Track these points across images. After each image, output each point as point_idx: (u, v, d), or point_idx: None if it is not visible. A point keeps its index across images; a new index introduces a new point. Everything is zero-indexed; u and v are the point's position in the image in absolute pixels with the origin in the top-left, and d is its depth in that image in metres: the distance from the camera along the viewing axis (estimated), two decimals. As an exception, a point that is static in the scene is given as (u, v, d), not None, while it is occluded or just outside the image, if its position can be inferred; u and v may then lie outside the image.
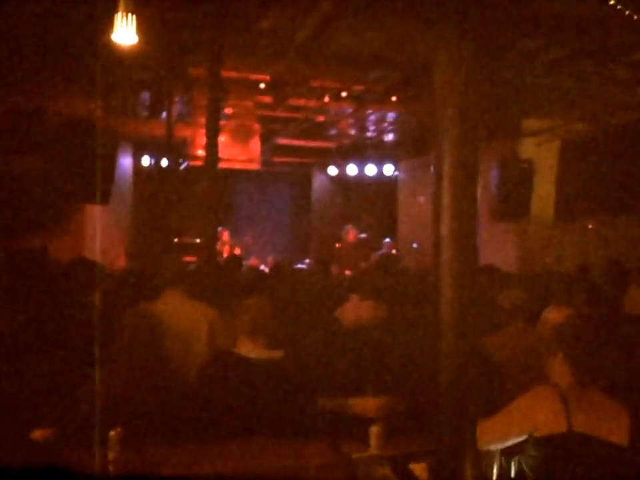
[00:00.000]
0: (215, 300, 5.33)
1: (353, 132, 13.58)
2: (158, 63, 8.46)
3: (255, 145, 12.22)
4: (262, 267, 12.09)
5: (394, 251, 14.42)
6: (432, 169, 2.91)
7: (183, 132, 11.14)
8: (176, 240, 11.56)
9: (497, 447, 3.34)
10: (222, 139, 9.64)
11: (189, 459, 3.40)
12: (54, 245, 7.47)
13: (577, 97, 9.02)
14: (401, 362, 4.15)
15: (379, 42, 7.14)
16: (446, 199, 2.92)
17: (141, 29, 5.56)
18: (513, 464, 3.50)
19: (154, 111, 11.07)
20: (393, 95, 10.06)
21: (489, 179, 10.09)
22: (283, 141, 13.72)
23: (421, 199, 14.15)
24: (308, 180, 17.16)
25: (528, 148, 10.88)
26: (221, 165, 8.03)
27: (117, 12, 5.45)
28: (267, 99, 10.43)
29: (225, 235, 13.40)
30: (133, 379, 3.74)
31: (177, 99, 10.22)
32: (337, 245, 13.97)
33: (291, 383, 3.79)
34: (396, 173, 16.15)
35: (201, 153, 10.40)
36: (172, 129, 9.60)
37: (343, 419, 3.78)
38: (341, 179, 16.42)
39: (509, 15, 5.95)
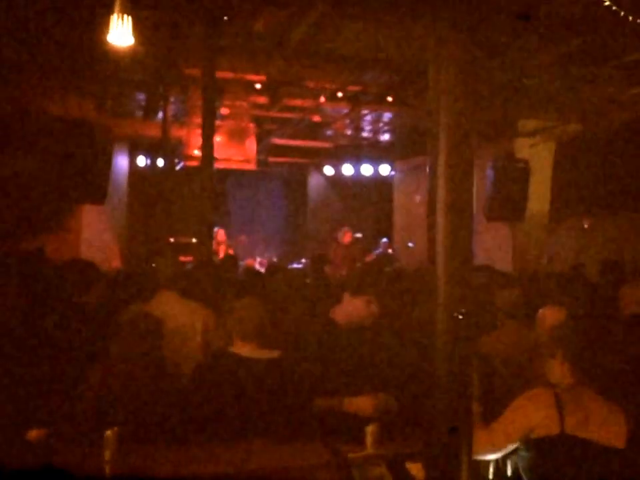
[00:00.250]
0: (210, 300, 5.34)
1: (348, 132, 13.59)
2: (154, 63, 8.45)
3: (251, 145, 12.21)
4: (257, 267, 12.10)
5: (390, 251, 14.44)
6: (427, 168, 2.92)
7: (178, 132, 11.13)
8: (172, 240, 11.55)
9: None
10: (218, 139, 9.64)
11: (185, 459, 3.40)
12: (50, 245, 7.47)
13: (571, 97, 9.04)
14: (397, 361, 4.16)
15: (374, 43, 7.15)
16: (441, 199, 2.92)
17: (137, 29, 5.56)
18: (509, 464, 3.51)
19: (150, 111, 11.07)
20: (388, 96, 10.07)
21: (484, 178, 10.11)
22: (278, 141, 13.73)
23: (417, 199, 14.18)
24: (304, 180, 17.18)
25: (523, 148, 10.91)
26: (217, 165, 8.05)
27: (113, 13, 5.45)
28: (263, 99, 10.44)
29: (221, 235, 13.39)
30: (128, 379, 3.74)
31: (172, 99, 10.22)
32: (333, 245, 13.98)
33: (287, 383, 3.80)
34: (392, 172, 16.17)
35: (196, 153, 10.39)
36: (168, 129, 9.61)
37: (338, 419, 3.79)
38: (337, 178, 16.44)
39: (504, 17, 5.96)
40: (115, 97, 10.15)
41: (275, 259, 14.60)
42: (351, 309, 4.29)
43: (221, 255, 12.53)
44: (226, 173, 13.25)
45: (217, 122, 9.33)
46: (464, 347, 2.92)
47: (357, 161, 15.87)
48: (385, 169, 16.08)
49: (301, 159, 15.79)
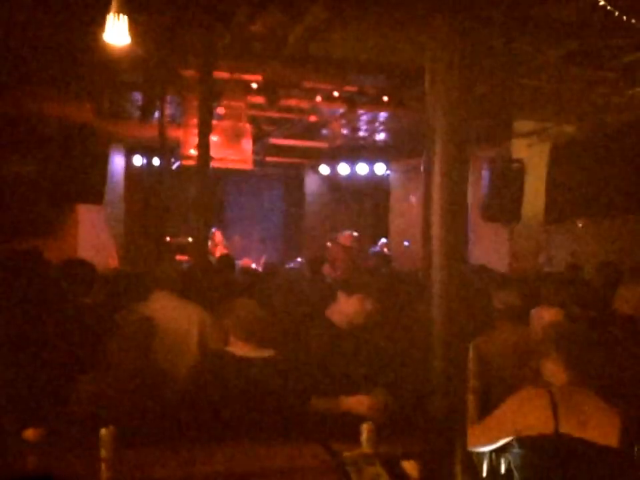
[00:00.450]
0: (206, 300, 5.35)
1: (345, 132, 13.60)
2: (150, 63, 8.45)
3: (247, 145, 12.19)
4: (254, 267, 12.09)
5: (386, 250, 14.45)
6: (422, 168, 2.94)
7: (175, 132, 11.12)
8: (168, 239, 11.55)
9: (486, 448, 3.36)
10: (214, 138, 9.64)
11: (181, 458, 3.41)
12: (47, 246, 7.47)
13: (567, 98, 9.06)
14: (393, 361, 4.18)
15: (370, 45, 7.16)
16: (436, 199, 2.94)
17: (133, 29, 5.56)
18: (502, 462, 3.53)
19: (146, 111, 11.05)
20: (384, 96, 10.09)
21: (480, 179, 10.13)
22: (275, 140, 13.73)
23: (413, 199, 14.21)
24: (300, 179, 17.18)
25: (519, 149, 10.93)
26: (213, 165, 8.04)
27: (109, 13, 5.45)
28: (259, 100, 10.44)
29: (218, 236, 13.40)
30: (125, 379, 3.75)
31: (169, 100, 10.22)
32: (329, 245, 13.96)
33: (283, 383, 3.81)
34: (388, 172, 16.18)
35: (193, 152, 10.39)
36: (164, 129, 9.60)
37: (334, 418, 3.80)
38: (333, 178, 16.45)
39: (500, 19, 5.98)
40: (112, 97, 10.14)
41: (271, 259, 14.60)
42: (346, 307, 4.31)
43: (218, 253, 12.53)
44: (222, 173, 13.25)
45: (214, 122, 9.32)
46: (459, 347, 2.94)
47: (353, 161, 15.89)
48: (380, 169, 16.09)
49: (297, 159, 15.79)
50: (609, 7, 5.61)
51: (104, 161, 7.95)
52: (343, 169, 15.96)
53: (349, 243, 13.24)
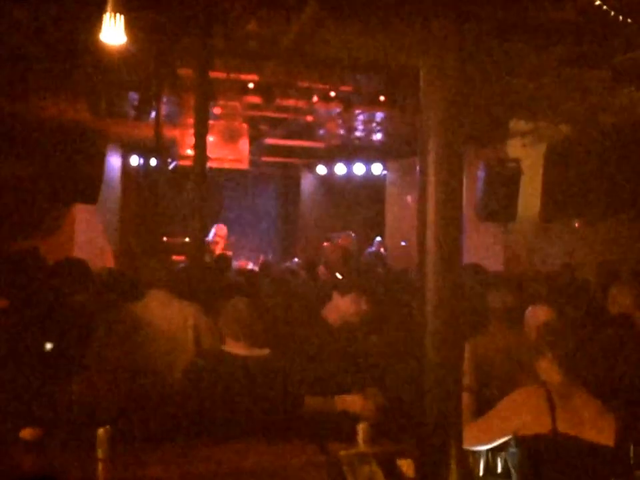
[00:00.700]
0: (202, 299, 5.36)
1: (341, 132, 13.60)
2: (146, 63, 8.45)
3: (244, 145, 12.21)
4: (250, 267, 12.11)
5: (382, 250, 14.46)
6: (418, 168, 2.95)
7: (171, 132, 11.13)
8: (165, 239, 11.55)
9: (483, 447, 3.38)
10: (210, 139, 9.64)
11: (176, 457, 3.42)
12: (43, 245, 7.47)
13: (562, 99, 9.08)
14: (387, 360, 4.19)
15: (366, 45, 7.16)
16: (431, 199, 2.95)
17: (130, 29, 5.56)
18: (499, 460, 3.54)
19: (142, 111, 11.05)
20: (380, 96, 10.10)
21: (476, 179, 10.14)
22: (271, 140, 13.72)
23: (409, 198, 14.22)
24: (296, 179, 17.18)
25: (514, 149, 10.95)
26: (210, 165, 8.04)
27: (105, 12, 5.45)
28: (256, 100, 10.44)
29: (221, 229, 13.43)
30: (120, 378, 3.76)
31: (165, 99, 10.22)
32: (325, 245, 13.98)
33: (277, 382, 3.82)
34: (384, 172, 16.19)
35: (189, 152, 10.40)
36: (160, 129, 9.60)
37: (329, 417, 3.81)
38: (330, 178, 16.45)
39: (495, 19, 5.99)
40: (108, 97, 10.13)
41: (267, 259, 14.60)
42: (341, 307, 4.32)
43: (218, 251, 12.54)
44: (219, 173, 13.25)
45: (210, 122, 9.32)
46: (454, 346, 2.95)
47: (349, 161, 15.89)
48: (377, 169, 16.10)
49: (293, 159, 15.79)
50: (604, 8, 5.63)
51: (100, 160, 7.94)
52: (340, 169, 15.97)
53: (347, 244, 13.26)
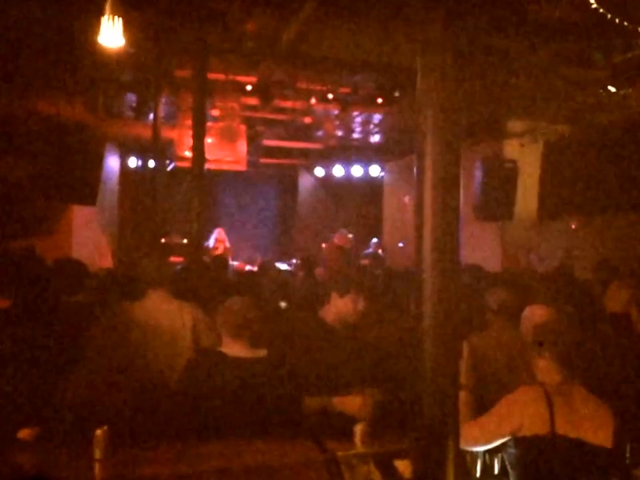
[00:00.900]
0: (200, 299, 5.36)
1: (339, 133, 13.62)
2: (144, 64, 8.46)
3: (242, 146, 12.22)
4: (248, 268, 12.11)
5: (379, 251, 14.47)
6: (415, 169, 2.95)
7: (169, 133, 11.14)
8: (163, 240, 11.55)
9: (481, 448, 3.38)
10: (208, 140, 9.66)
11: (175, 457, 3.42)
12: (41, 245, 7.48)
13: (559, 98, 9.09)
14: (385, 360, 4.19)
15: (363, 45, 7.18)
16: (428, 199, 2.95)
17: (127, 31, 5.57)
18: (496, 461, 3.55)
19: (140, 112, 11.05)
20: (378, 97, 10.12)
21: (473, 179, 10.15)
22: (269, 142, 13.74)
23: (406, 199, 14.23)
24: (294, 181, 17.19)
25: (511, 148, 10.96)
26: (208, 166, 8.05)
27: (103, 14, 5.46)
28: (254, 101, 10.45)
29: (220, 234, 13.47)
30: (117, 378, 3.76)
31: (163, 101, 10.22)
32: (323, 246, 14.00)
33: (276, 382, 3.82)
34: (382, 173, 16.21)
35: (187, 154, 10.41)
36: (159, 130, 9.60)
37: (327, 417, 3.81)
38: (328, 179, 16.46)
39: (493, 19, 6.00)
40: (106, 98, 10.14)
41: (265, 259, 14.61)
42: (339, 307, 4.33)
43: (217, 254, 12.57)
44: (217, 174, 13.26)
45: (208, 123, 9.33)
46: (451, 346, 2.95)
47: (347, 162, 15.90)
48: (375, 170, 16.12)
49: (291, 160, 15.81)
50: (600, 8, 5.64)
51: (98, 161, 7.94)
52: (337, 170, 15.98)
53: (344, 243, 13.28)
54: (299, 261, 11.35)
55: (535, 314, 4.24)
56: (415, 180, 3.03)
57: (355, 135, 13.76)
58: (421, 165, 2.99)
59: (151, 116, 9.81)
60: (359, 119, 12.25)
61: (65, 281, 4.77)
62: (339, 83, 9.52)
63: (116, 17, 5.45)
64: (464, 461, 3.38)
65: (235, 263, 12.82)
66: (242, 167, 12.55)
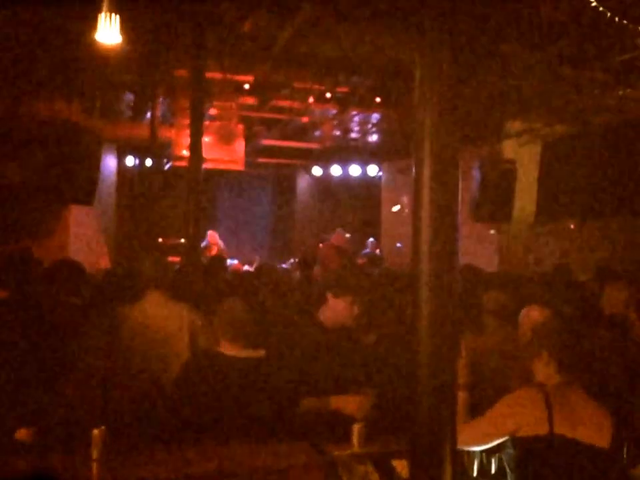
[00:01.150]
0: (197, 300, 5.36)
1: (337, 133, 13.62)
2: (142, 64, 8.45)
3: (239, 145, 12.22)
4: (246, 268, 12.10)
5: (377, 251, 14.47)
6: (413, 169, 2.94)
7: (167, 133, 11.13)
8: (160, 240, 11.55)
9: (479, 448, 3.38)
10: (206, 139, 9.64)
11: (171, 458, 3.41)
12: (38, 246, 7.47)
13: (557, 99, 9.09)
14: (381, 361, 4.18)
15: (359, 46, 7.17)
16: (426, 200, 2.94)
17: (125, 29, 5.56)
18: (493, 461, 3.54)
19: (138, 112, 11.05)
20: (376, 97, 10.11)
21: (470, 180, 10.14)
22: (267, 142, 13.74)
23: (404, 199, 14.23)
24: (292, 181, 17.19)
25: (510, 149, 10.96)
26: (205, 166, 8.04)
27: (100, 12, 5.45)
28: (251, 100, 10.45)
29: (213, 237, 13.44)
30: (115, 379, 3.76)
31: (161, 100, 10.21)
32: (320, 246, 13.98)
33: (273, 383, 3.82)
34: (380, 173, 16.21)
35: (185, 153, 10.41)
36: (156, 130, 9.60)
37: (324, 418, 3.81)
38: (325, 179, 16.46)
39: (490, 19, 6.00)
40: (103, 98, 10.13)
41: (262, 260, 14.60)
42: (335, 308, 4.32)
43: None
44: (214, 174, 13.25)
45: (205, 123, 9.32)
46: (448, 347, 2.95)
47: (345, 162, 15.90)
48: (372, 170, 16.12)
49: (289, 160, 15.81)
50: (599, 8, 5.63)
51: (95, 161, 7.93)
52: (335, 170, 15.98)
53: (341, 243, 13.27)
54: (295, 261, 11.35)
55: (533, 315, 4.23)
56: (412, 180, 3.02)
57: (353, 135, 13.76)
58: (418, 166, 2.98)
59: (149, 115, 9.82)
60: (356, 119, 12.25)
61: (63, 282, 4.75)
62: (336, 82, 9.52)
63: (113, 15, 5.44)
64: (461, 461, 3.37)
65: (235, 262, 12.81)
66: (239, 167, 12.55)
